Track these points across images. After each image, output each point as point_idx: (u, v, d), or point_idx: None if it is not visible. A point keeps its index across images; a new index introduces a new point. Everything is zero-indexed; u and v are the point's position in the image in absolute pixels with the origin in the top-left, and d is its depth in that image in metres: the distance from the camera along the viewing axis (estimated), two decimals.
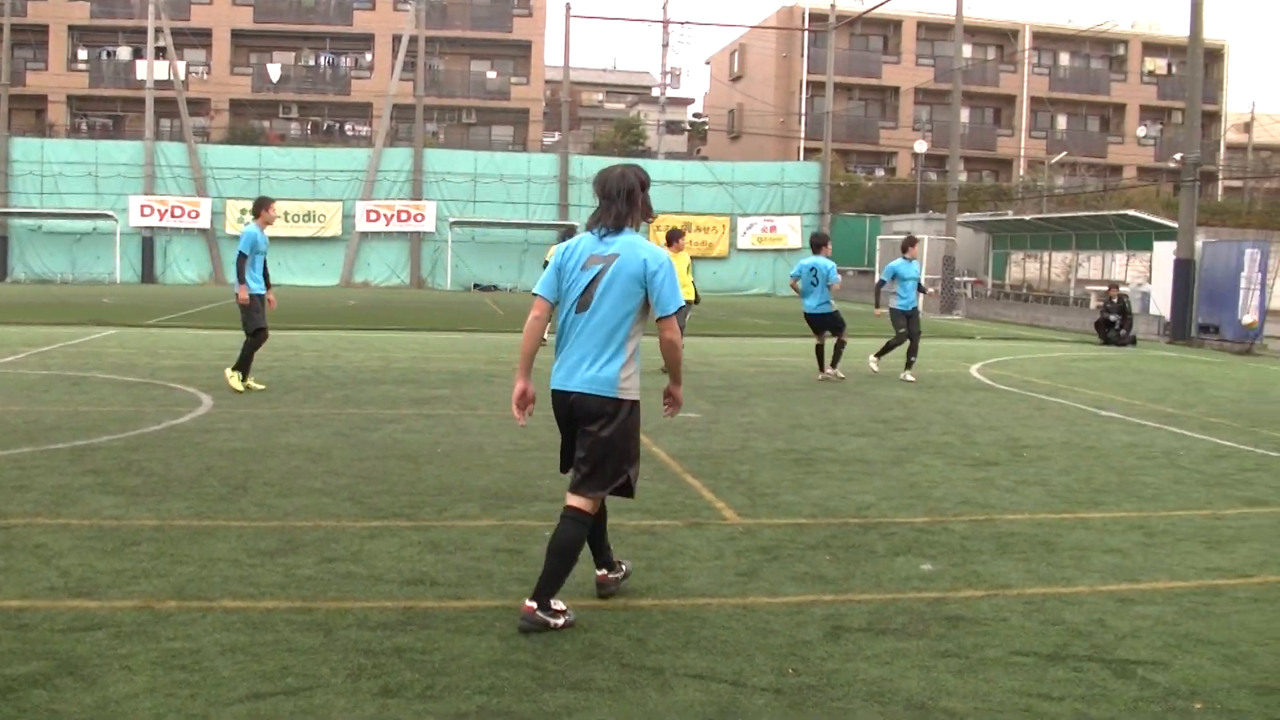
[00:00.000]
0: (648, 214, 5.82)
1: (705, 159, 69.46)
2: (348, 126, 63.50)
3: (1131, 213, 40.51)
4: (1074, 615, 5.97)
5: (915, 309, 17.50)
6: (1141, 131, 73.56)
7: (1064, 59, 73.63)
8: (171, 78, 51.19)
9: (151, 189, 48.65)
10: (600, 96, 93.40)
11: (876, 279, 18.56)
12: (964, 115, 60.26)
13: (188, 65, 58.03)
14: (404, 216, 49.49)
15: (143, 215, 47.98)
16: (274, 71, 61.38)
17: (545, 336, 5.94)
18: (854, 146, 68.65)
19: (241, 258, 13.52)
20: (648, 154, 68.03)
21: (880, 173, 69.85)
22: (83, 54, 60.46)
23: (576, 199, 50.69)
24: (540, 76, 64.70)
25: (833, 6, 53.85)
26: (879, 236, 48.36)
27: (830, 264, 16.93)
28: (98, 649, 5.00)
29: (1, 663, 4.82)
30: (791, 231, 51.66)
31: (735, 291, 51.15)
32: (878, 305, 18.10)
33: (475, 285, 48.93)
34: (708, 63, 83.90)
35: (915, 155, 60.58)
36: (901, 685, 4.90)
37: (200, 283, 47.84)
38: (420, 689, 4.67)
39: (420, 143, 51.26)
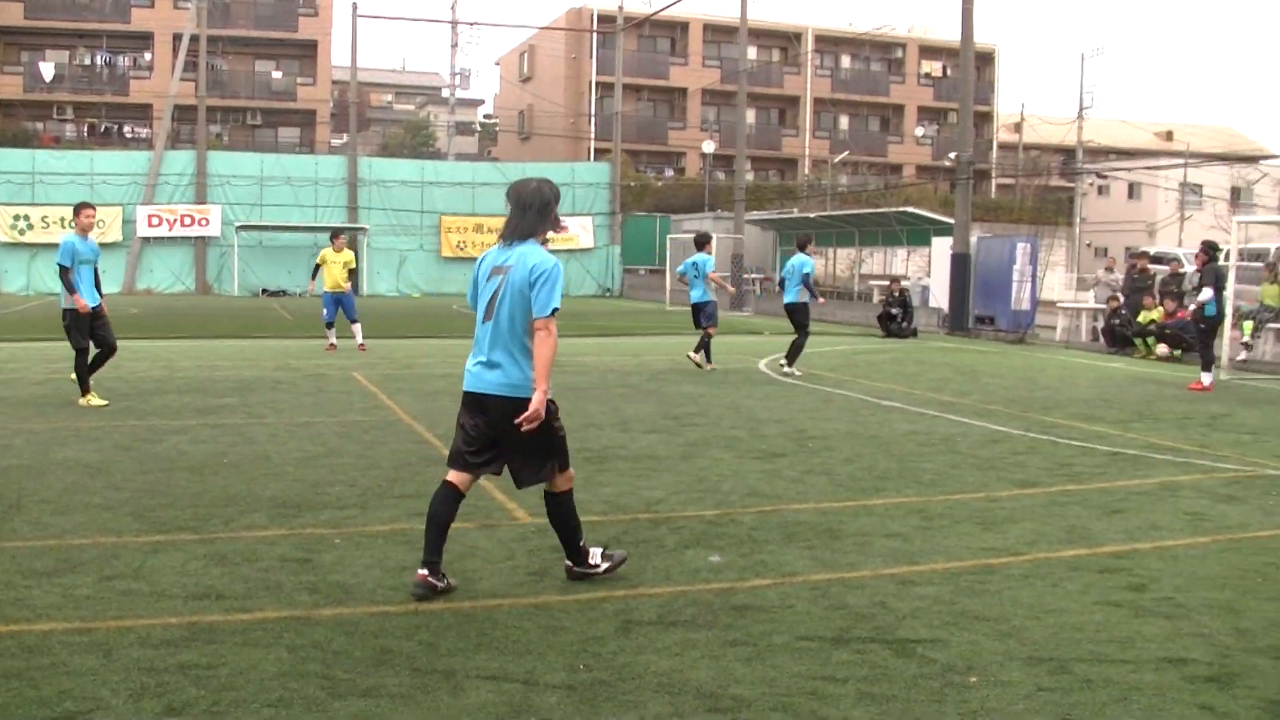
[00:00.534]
0: (556, 226, 6.20)
1: (496, 160, 69.33)
2: (127, 128, 61.38)
3: (911, 210, 41.97)
4: (857, 599, 6.16)
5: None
6: (919, 131, 76.22)
7: (845, 61, 75.82)
8: None
9: None
10: (389, 97, 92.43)
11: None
12: (750, 116, 61.46)
13: None
14: (188, 221, 47.96)
15: None
16: (47, 70, 58.90)
17: None
18: (643, 147, 69.37)
19: (63, 269, 12.99)
20: (437, 155, 67.60)
21: (669, 173, 70.78)
22: None
23: (366, 201, 49.94)
24: (327, 77, 63.62)
25: (620, 8, 54.26)
26: (669, 235, 48.97)
27: (709, 259, 19.31)
28: None
29: None
30: (583, 231, 51.77)
31: None
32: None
33: (263, 290, 47.74)
34: (497, 64, 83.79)
35: (703, 155, 61.54)
36: (691, 675, 4.99)
37: None
38: (205, 706, 4.56)
39: (203, 145, 49.79)
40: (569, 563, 6.35)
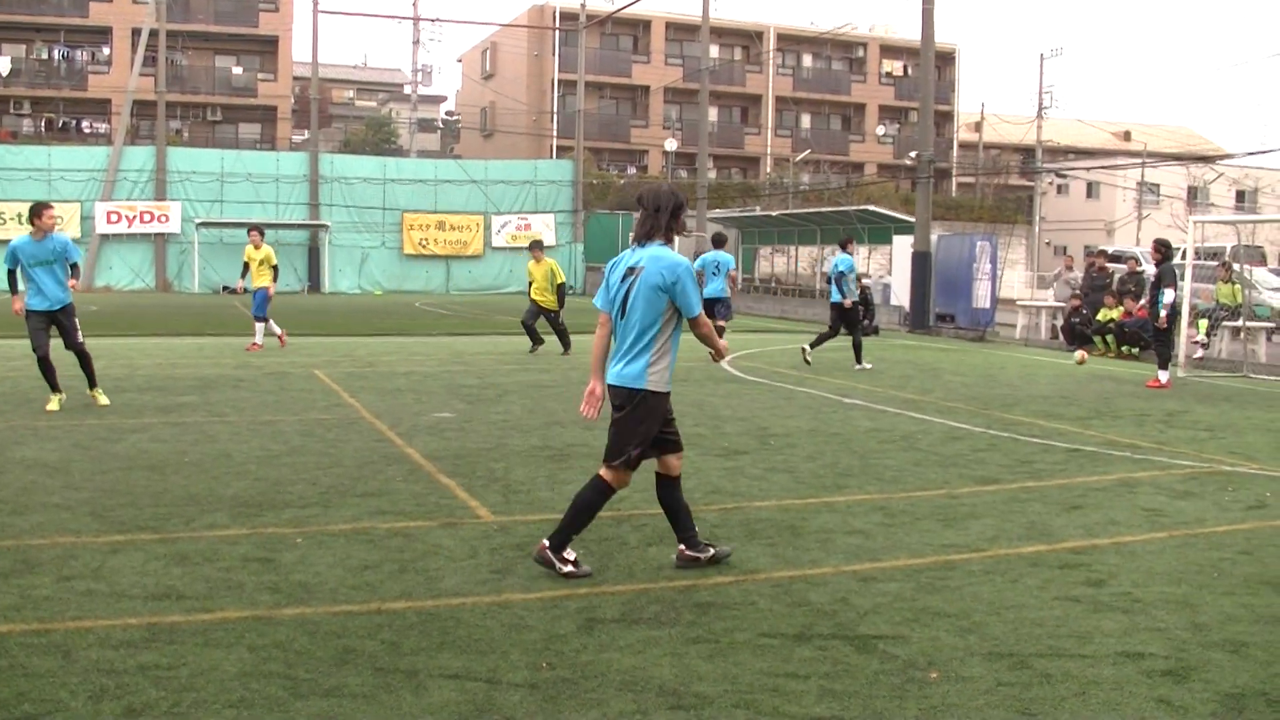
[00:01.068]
0: (682, 229, 6.82)
1: (458, 157, 69.14)
2: (85, 124, 60.76)
3: (872, 208, 42.20)
4: (819, 596, 6.20)
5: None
6: (880, 130, 76.52)
7: (807, 60, 76.05)
8: None
9: None
10: (351, 94, 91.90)
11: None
12: (712, 114, 61.67)
13: None
14: (147, 218, 47.59)
15: None
16: (4, 65, 58.25)
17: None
18: (606, 145, 69.39)
19: (9, 271, 12.81)
20: (400, 152, 67.33)
21: (632, 170, 70.75)
22: None
23: (327, 198, 49.72)
24: (288, 73, 63.25)
25: (583, 6, 54.24)
26: (631, 233, 48.89)
27: (730, 257, 20.82)
28: None
29: None
30: (546, 229, 51.67)
31: (491, 290, 51.01)
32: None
33: (224, 288, 47.36)
34: (460, 60, 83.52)
35: (665, 153, 61.61)
36: (654, 673, 5.00)
37: None
38: (166, 707, 4.53)
39: (163, 141, 49.36)
40: (545, 541, 6.56)
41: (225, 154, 50.88)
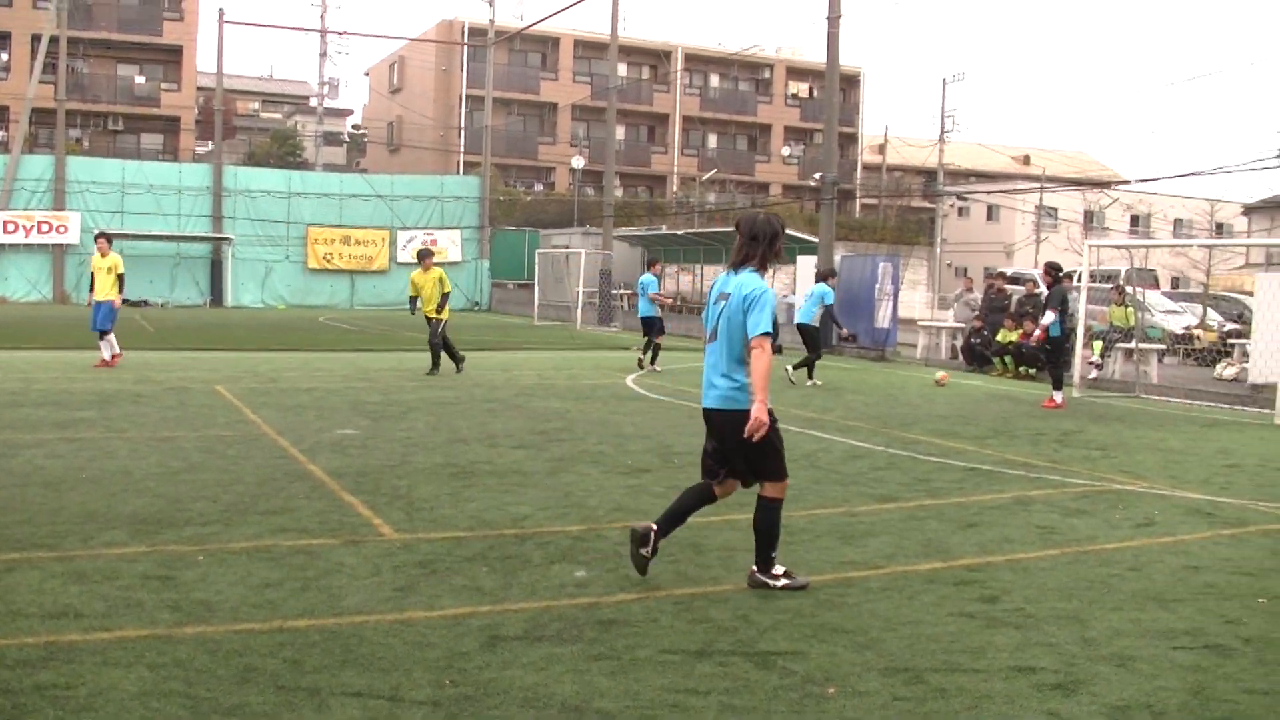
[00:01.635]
0: (779, 256, 7.01)
1: (364, 171, 68.71)
2: None
3: None
4: (720, 613, 6.28)
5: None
6: (786, 151, 77.34)
7: (714, 80, 76.65)
8: None
9: None
10: (256, 105, 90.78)
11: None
12: (619, 132, 61.86)
13: None
14: (45, 228, 46.58)
15: None
16: None
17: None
18: (513, 161, 69.34)
19: None
20: (305, 165, 66.64)
21: (539, 187, 70.83)
22: None
23: (231, 211, 49.07)
24: (192, 83, 62.31)
25: (492, 21, 54.15)
26: (537, 250, 49.00)
27: (655, 279, 22.34)
28: None
29: None
30: (452, 245, 51.45)
31: (395, 305, 50.57)
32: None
33: (124, 301, 46.57)
34: (367, 74, 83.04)
35: (573, 170, 61.69)
36: (556, 690, 5.04)
37: None
38: None
39: (62, 150, 48.34)
40: (753, 568, 6.80)
41: (127, 164, 49.94)
